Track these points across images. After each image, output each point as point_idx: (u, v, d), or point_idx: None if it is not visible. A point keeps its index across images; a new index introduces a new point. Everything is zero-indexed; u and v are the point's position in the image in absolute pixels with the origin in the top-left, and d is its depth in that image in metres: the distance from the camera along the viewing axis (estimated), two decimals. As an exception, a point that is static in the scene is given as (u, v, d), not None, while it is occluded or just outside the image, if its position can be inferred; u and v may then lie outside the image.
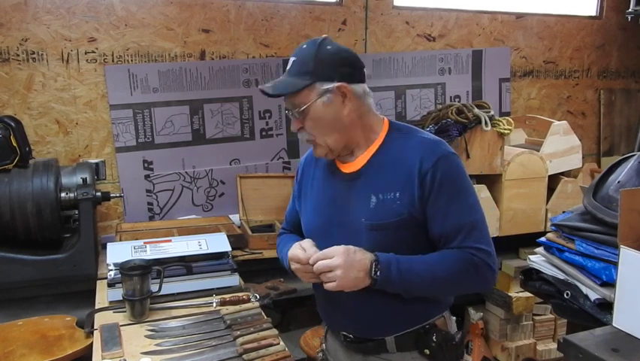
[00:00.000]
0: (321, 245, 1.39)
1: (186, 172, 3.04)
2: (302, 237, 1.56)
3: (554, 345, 2.96)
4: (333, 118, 1.38)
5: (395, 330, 1.43)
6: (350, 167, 1.45)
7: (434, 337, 1.42)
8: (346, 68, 1.38)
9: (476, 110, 2.75)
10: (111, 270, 1.97)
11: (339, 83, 1.36)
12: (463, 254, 1.34)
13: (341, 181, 1.45)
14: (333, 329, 1.56)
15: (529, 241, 2.31)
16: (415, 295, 1.38)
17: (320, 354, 1.65)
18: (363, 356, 1.48)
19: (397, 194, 1.36)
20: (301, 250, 1.39)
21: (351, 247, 1.33)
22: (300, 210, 1.58)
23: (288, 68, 1.40)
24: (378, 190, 1.38)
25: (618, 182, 1.72)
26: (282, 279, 2.31)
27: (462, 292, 1.54)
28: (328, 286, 1.33)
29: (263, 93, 1.39)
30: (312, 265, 1.34)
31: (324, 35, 1.43)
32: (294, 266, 1.41)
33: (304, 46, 1.39)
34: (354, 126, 1.41)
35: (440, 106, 3.05)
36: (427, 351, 1.42)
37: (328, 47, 1.37)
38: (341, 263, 1.30)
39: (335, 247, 1.33)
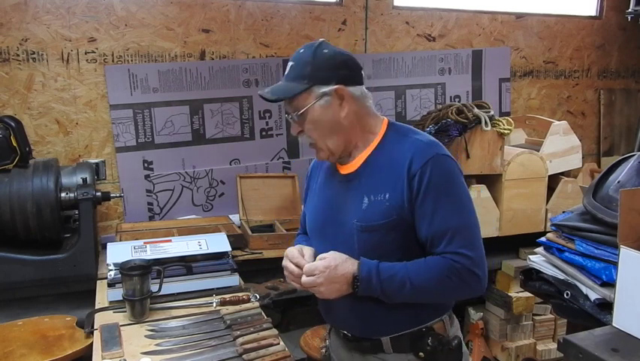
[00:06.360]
0: (318, 245, 1.46)
1: (186, 172, 3.04)
2: None
3: (554, 345, 2.96)
4: (332, 120, 1.39)
5: (390, 331, 1.43)
6: (347, 168, 1.46)
7: (429, 340, 1.41)
8: (343, 70, 1.38)
9: (476, 110, 2.75)
10: (111, 270, 1.98)
11: (336, 86, 1.37)
12: (444, 261, 1.32)
13: (338, 182, 1.47)
14: (333, 326, 1.59)
15: (529, 241, 2.31)
16: (397, 302, 1.37)
17: (323, 350, 1.67)
18: (362, 355, 1.48)
19: (387, 195, 1.36)
20: (299, 255, 1.43)
21: (335, 258, 1.36)
22: (306, 212, 1.63)
23: (286, 72, 1.42)
24: (370, 192, 1.39)
25: (618, 182, 1.72)
26: (282, 279, 2.31)
27: (448, 300, 1.48)
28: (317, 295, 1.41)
29: (262, 98, 1.41)
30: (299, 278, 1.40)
31: (320, 39, 1.44)
32: (284, 262, 1.45)
33: (301, 50, 1.41)
34: (353, 128, 1.42)
35: (440, 106, 3.04)
36: (421, 354, 1.41)
37: (325, 51, 1.38)
38: (323, 282, 1.35)
39: (317, 263, 1.37)
